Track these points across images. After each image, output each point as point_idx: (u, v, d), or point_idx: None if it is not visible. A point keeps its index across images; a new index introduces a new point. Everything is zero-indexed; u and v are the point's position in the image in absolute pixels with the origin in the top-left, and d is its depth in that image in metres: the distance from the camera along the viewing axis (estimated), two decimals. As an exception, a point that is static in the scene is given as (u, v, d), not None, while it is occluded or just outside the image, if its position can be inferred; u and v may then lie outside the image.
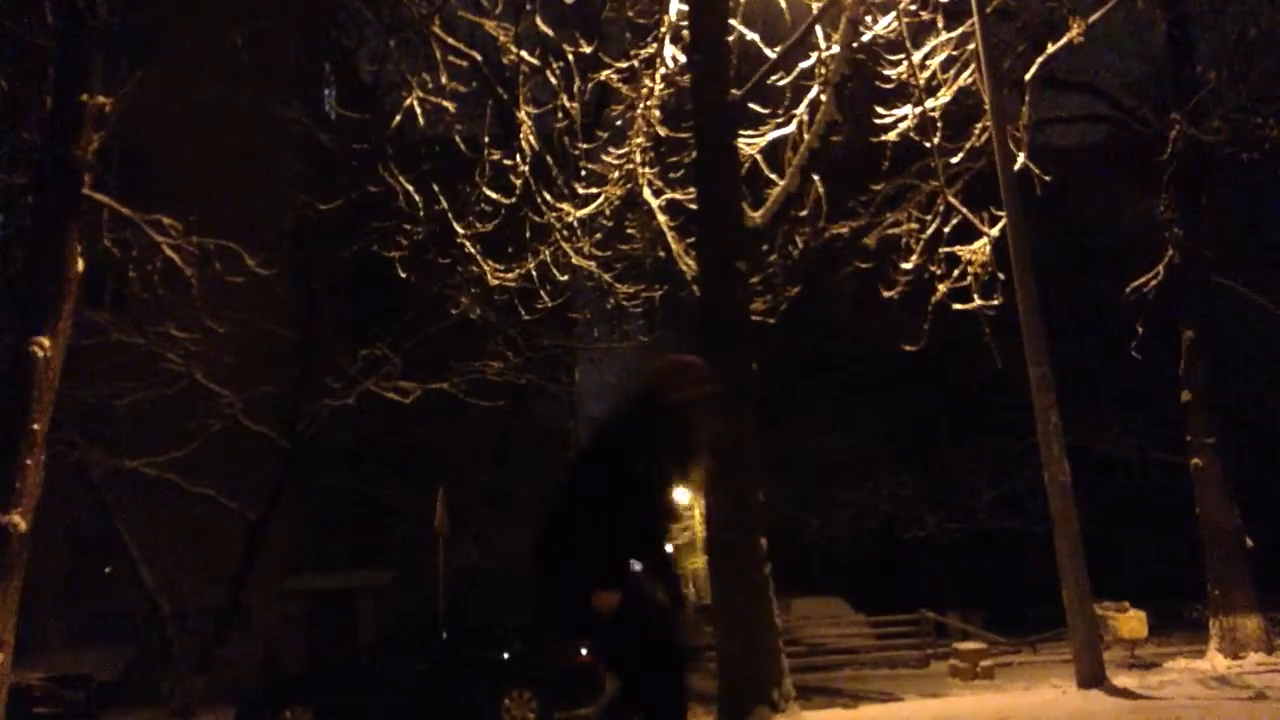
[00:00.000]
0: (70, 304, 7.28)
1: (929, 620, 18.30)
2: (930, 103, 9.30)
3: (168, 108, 14.66)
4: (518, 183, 9.61)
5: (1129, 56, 16.44)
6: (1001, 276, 9.82)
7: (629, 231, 11.10)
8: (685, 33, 9.53)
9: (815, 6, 9.28)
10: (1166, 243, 12.85)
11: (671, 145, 10.51)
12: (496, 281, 10.52)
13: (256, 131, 16.56)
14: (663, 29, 9.76)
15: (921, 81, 9.10)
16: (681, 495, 38.25)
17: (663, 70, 10.02)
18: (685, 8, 9.44)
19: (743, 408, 8.18)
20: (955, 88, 9.72)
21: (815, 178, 9.37)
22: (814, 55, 9.47)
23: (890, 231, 11.64)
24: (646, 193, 10.52)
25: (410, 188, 9.64)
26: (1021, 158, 10.25)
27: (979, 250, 10.05)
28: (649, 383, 3.87)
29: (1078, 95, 14.10)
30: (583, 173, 10.63)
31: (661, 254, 11.06)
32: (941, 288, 10.59)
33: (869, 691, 13.23)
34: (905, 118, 9.76)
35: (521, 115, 9.52)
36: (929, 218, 10.84)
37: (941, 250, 10.54)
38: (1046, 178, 10.38)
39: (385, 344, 14.78)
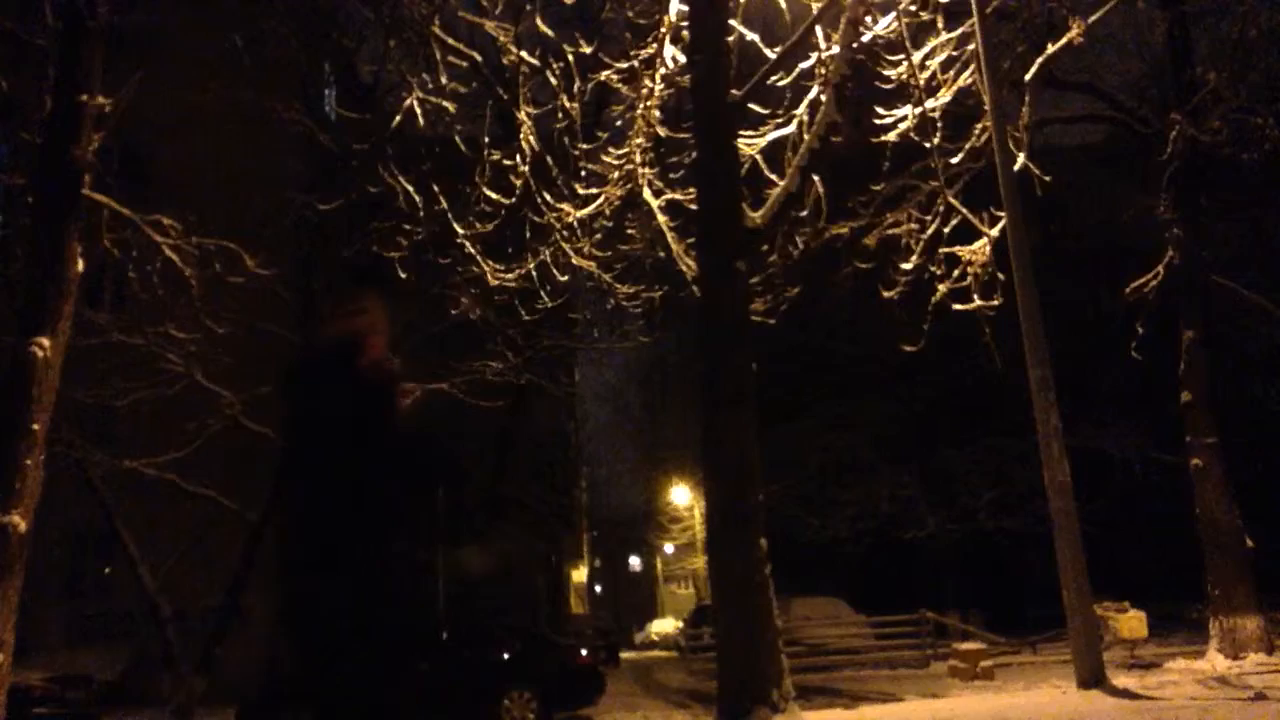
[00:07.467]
0: (70, 304, 7.27)
1: (929, 620, 18.29)
2: (930, 103, 9.30)
3: (168, 108, 14.62)
4: (518, 183, 9.61)
5: (1129, 56, 16.44)
6: (1001, 277, 9.83)
7: (629, 231, 11.10)
8: (685, 33, 9.54)
9: (815, 7, 9.28)
10: (1166, 243, 12.85)
11: (671, 145, 10.51)
12: (496, 282, 10.52)
13: (257, 132, 16.55)
14: (663, 29, 9.75)
15: (921, 82, 9.09)
16: (682, 495, 38.35)
17: (663, 70, 10.02)
18: (685, 8, 9.44)
19: (742, 408, 8.18)
20: (955, 88, 9.72)
21: (815, 178, 9.37)
22: (814, 56, 9.47)
23: (890, 231, 11.64)
24: (646, 193, 10.52)
25: (410, 188, 9.64)
26: (1021, 158, 10.26)
27: (979, 250, 10.06)
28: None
29: (1078, 95, 14.09)
30: (583, 173, 10.63)
31: (661, 254, 11.06)
32: (941, 288, 10.60)
33: (869, 692, 13.23)
34: (905, 118, 9.75)
35: (521, 115, 9.52)
36: (929, 218, 10.85)
37: (941, 250, 10.54)
38: (1046, 178, 10.38)
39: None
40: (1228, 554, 11.98)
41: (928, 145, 9.45)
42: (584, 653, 13.23)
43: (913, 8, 9.25)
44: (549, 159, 10.08)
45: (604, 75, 10.23)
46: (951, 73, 9.71)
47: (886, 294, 10.99)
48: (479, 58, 9.65)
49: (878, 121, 10.00)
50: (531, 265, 10.52)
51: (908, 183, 11.87)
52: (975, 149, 10.62)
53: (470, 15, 9.29)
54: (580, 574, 44.06)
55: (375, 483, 3.05)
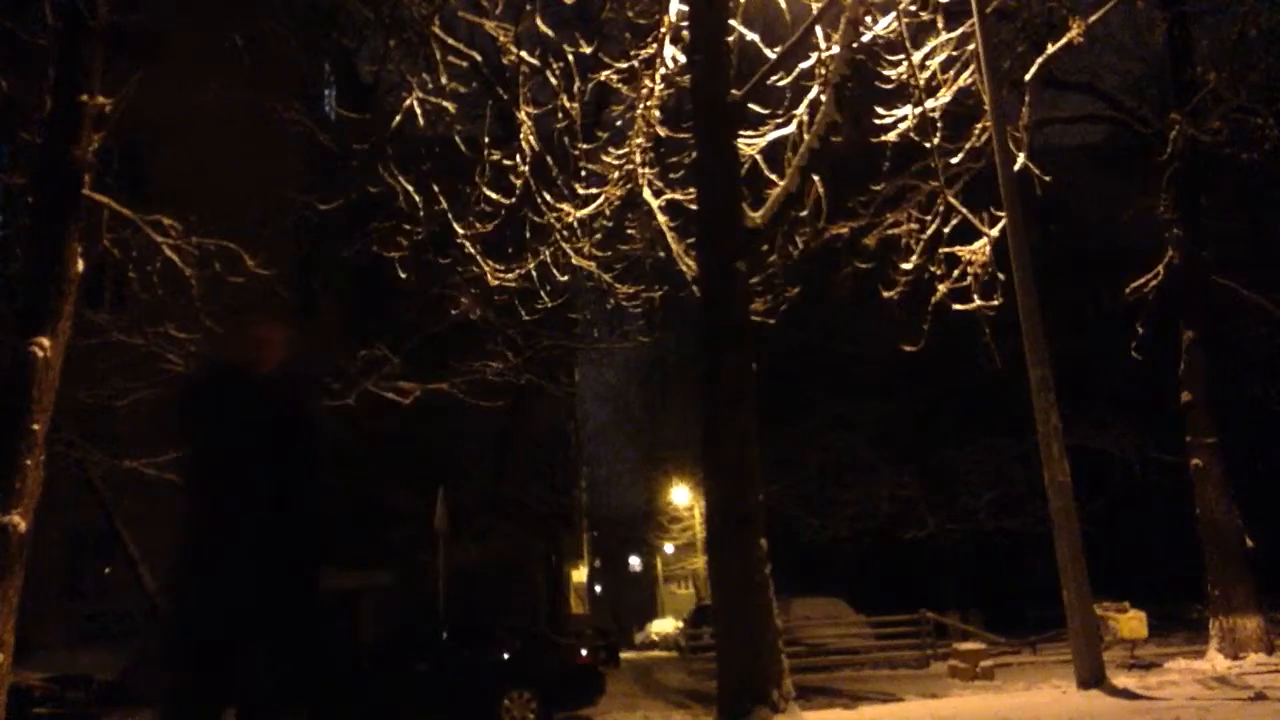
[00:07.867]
0: (70, 304, 7.27)
1: (929, 620, 18.29)
2: (930, 103, 9.29)
3: (168, 108, 14.64)
4: (518, 183, 9.61)
5: (1129, 56, 16.45)
6: (1001, 277, 9.83)
7: (629, 231, 11.10)
8: (685, 33, 9.53)
9: (815, 7, 9.27)
10: (1166, 243, 12.85)
11: (671, 145, 10.51)
12: (496, 282, 10.52)
13: (257, 132, 16.56)
14: (663, 29, 9.75)
15: (921, 82, 9.09)
16: (682, 495, 38.36)
17: (663, 70, 10.02)
18: (685, 8, 9.43)
19: (743, 408, 8.18)
20: (955, 88, 9.72)
21: (815, 178, 9.36)
22: (814, 56, 9.47)
23: (890, 231, 11.65)
24: (646, 193, 10.51)
25: (410, 188, 9.63)
26: (1021, 158, 10.26)
27: (979, 250, 10.06)
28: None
29: (1078, 95, 14.10)
30: (583, 173, 10.63)
31: (661, 254, 11.06)
32: (941, 288, 10.60)
33: (869, 692, 13.23)
34: (905, 118, 9.75)
35: (521, 115, 9.51)
36: (929, 218, 10.85)
37: (941, 250, 10.54)
38: (1046, 178, 10.38)
39: (385, 344, 14.77)
40: (1228, 554, 11.99)
41: (928, 145, 9.44)
42: (584, 653, 13.22)
43: (913, 8, 9.25)
44: (549, 159, 10.08)
45: (604, 75, 10.22)
46: (951, 73, 9.71)
47: (886, 294, 10.99)
48: (479, 58, 9.64)
49: (878, 121, 9.99)
50: (531, 265, 10.52)
51: (908, 183, 11.88)
52: (975, 149, 10.62)
53: (470, 15, 9.28)
54: (580, 574, 44.05)
55: (290, 480, 3.30)
